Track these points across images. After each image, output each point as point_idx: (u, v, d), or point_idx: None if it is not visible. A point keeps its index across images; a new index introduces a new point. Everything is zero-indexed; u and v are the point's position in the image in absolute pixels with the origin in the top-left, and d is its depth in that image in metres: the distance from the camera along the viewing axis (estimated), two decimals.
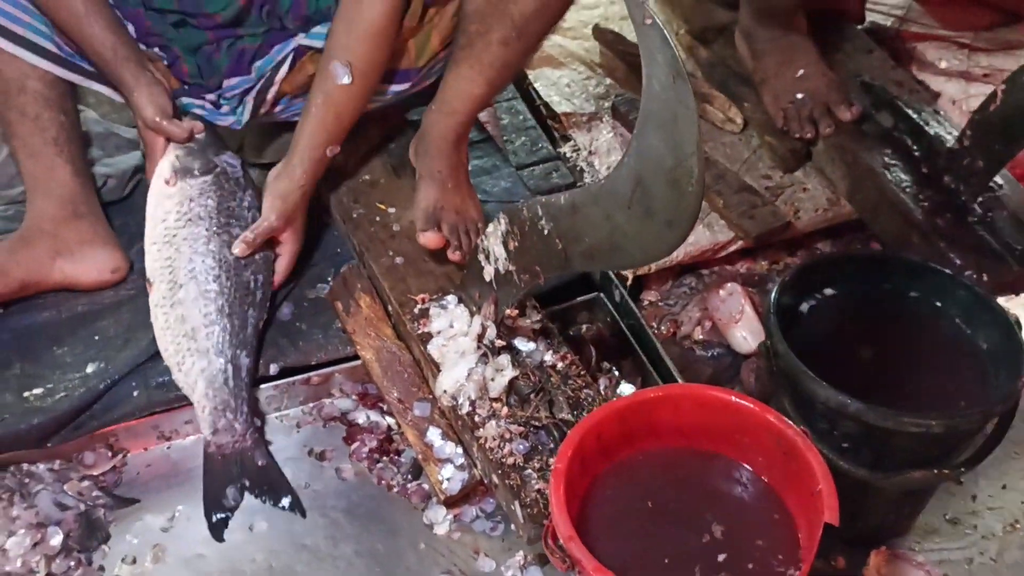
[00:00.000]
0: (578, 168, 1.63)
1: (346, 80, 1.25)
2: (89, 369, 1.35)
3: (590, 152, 1.64)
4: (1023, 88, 1.27)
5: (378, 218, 1.45)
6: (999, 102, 1.30)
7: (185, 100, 1.41)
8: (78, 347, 1.38)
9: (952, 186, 1.43)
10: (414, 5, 1.27)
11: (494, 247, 1.14)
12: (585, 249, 0.98)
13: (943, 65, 1.75)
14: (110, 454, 1.33)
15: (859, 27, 1.77)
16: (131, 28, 1.36)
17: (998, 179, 1.44)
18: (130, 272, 1.48)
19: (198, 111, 1.42)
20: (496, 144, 1.66)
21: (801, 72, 1.57)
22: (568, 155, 1.65)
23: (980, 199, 1.42)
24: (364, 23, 1.24)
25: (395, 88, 1.38)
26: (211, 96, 1.42)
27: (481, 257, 1.19)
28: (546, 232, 1.01)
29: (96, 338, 1.39)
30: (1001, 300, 1.16)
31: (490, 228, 1.13)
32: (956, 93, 1.70)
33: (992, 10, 1.80)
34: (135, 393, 1.33)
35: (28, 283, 1.41)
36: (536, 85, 1.77)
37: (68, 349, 1.38)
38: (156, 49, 1.39)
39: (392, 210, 1.46)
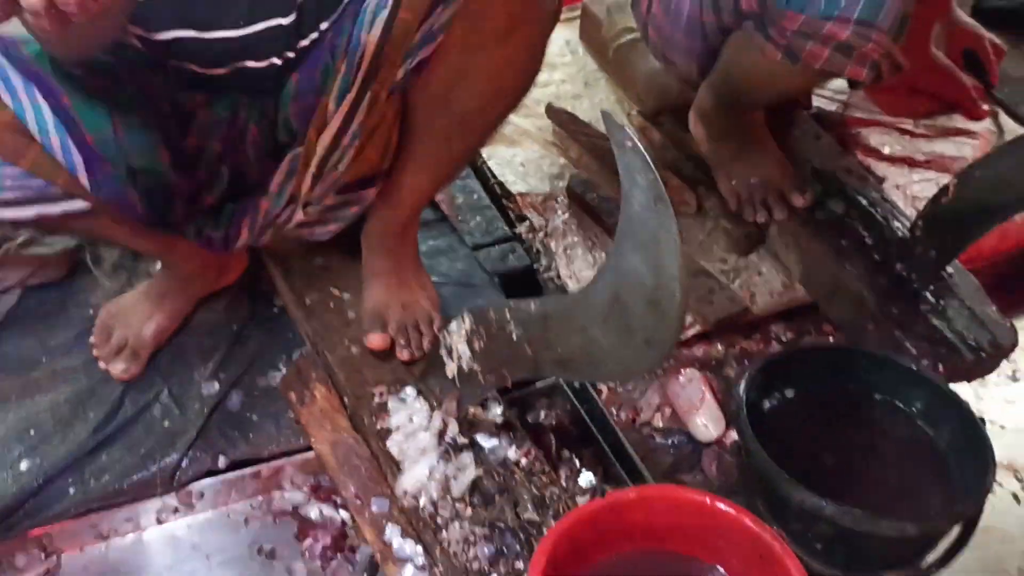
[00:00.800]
0: (535, 249, 1.62)
1: None
2: (23, 466, 1.27)
3: (546, 234, 1.63)
4: (976, 183, 1.31)
5: (332, 304, 1.41)
6: (951, 196, 1.34)
7: None
8: (11, 441, 1.30)
9: (904, 274, 1.45)
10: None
11: (457, 345, 1.11)
12: (558, 358, 0.96)
13: (886, 151, 1.80)
14: (43, 556, 1.26)
15: (806, 112, 1.81)
16: None
17: (949, 268, 1.47)
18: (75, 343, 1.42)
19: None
20: (452, 224, 1.64)
21: (756, 158, 1.59)
22: (524, 236, 1.64)
23: (932, 288, 1.44)
24: None
25: (369, 194, 1.31)
26: None
27: (443, 352, 1.16)
28: (515, 338, 0.99)
29: (31, 432, 1.31)
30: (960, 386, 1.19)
31: (453, 326, 1.11)
32: (900, 178, 1.75)
33: (930, 98, 1.86)
34: (71, 490, 1.26)
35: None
36: (490, 163, 1.76)
37: (1, 442, 1.30)
38: None
39: (347, 295, 1.42)
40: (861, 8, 1.29)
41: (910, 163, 1.78)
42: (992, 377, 1.48)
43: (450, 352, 1.14)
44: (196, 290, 1.43)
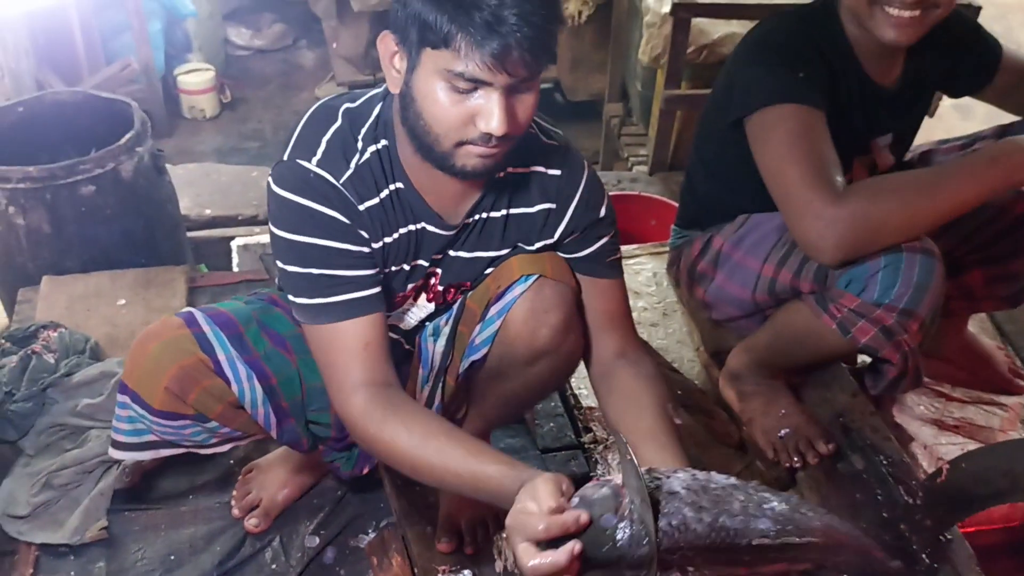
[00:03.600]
0: (594, 459, 1.90)
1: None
2: None
3: (605, 447, 1.92)
4: (962, 473, 1.53)
5: (418, 487, 1.73)
6: (944, 477, 1.56)
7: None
8: (155, 562, 1.65)
9: (906, 535, 1.66)
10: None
11: (506, 548, 1.40)
12: None
13: (919, 410, 2.02)
14: None
15: (845, 366, 2.05)
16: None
17: (948, 534, 1.67)
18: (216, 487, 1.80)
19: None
20: (528, 427, 1.95)
21: (783, 412, 1.85)
22: (588, 446, 1.93)
23: (928, 551, 1.64)
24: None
25: None
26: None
27: (495, 551, 1.45)
28: None
29: (172, 557, 1.66)
30: None
31: (505, 532, 1.40)
32: (928, 438, 1.96)
33: (968, 372, 2.08)
34: None
35: None
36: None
37: (147, 561, 1.65)
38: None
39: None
40: (907, 300, 1.58)
41: (940, 425, 1.99)
42: None
43: (500, 553, 1.43)
44: (324, 469, 1.78)
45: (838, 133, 1.64)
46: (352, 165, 1.28)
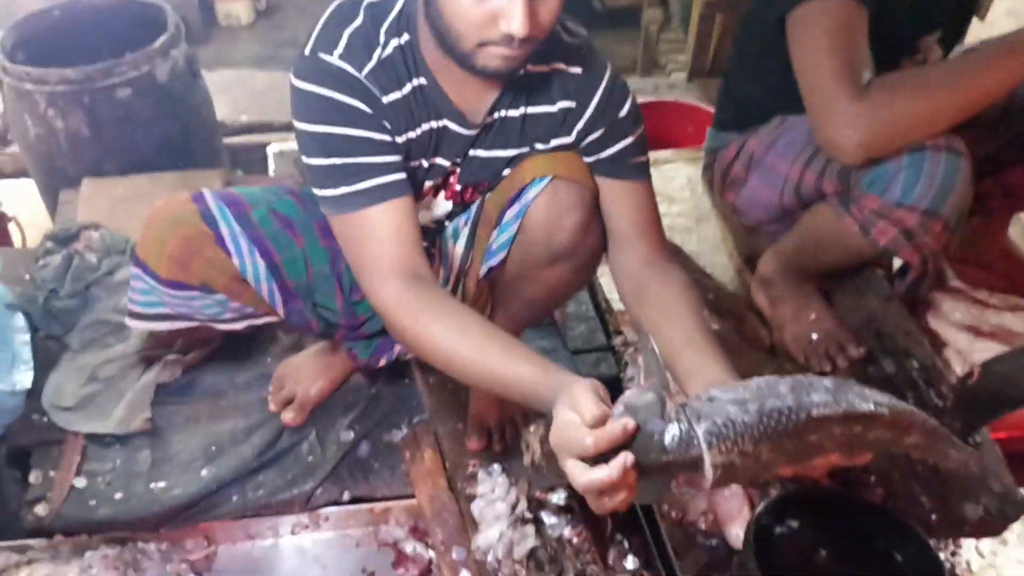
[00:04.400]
0: (624, 362, 1.92)
1: None
2: (203, 473, 1.68)
3: (635, 349, 1.93)
4: (995, 375, 1.53)
5: (450, 385, 1.77)
6: (975, 380, 1.56)
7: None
8: (198, 452, 1.72)
9: None
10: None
11: (533, 443, 1.43)
12: None
13: (956, 317, 1.99)
14: (206, 544, 1.63)
15: (879, 271, 2.03)
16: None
17: (978, 436, 1.67)
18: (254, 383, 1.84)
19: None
20: (559, 329, 1.97)
21: (814, 317, 1.85)
22: (618, 348, 1.95)
23: None
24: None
25: None
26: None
27: (523, 445, 1.48)
28: None
29: (213, 448, 1.73)
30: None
31: (532, 427, 1.43)
32: (963, 345, 1.94)
33: (1007, 279, 2.05)
34: (234, 498, 1.66)
35: None
36: (602, 280, 2.07)
37: (189, 451, 1.72)
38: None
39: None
40: (930, 200, 1.55)
41: (976, 332, 1.96)
42: (1011, 537, 1.67)
43: (527, 447, 1.46)
44: (354, 364, 1.81)
45: (886, 32, 1.59)
46: (375, 58, 1.27)
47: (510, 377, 1.12)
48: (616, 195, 1.41)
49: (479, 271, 1.48)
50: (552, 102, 1.37)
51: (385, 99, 1.28)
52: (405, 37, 1.28)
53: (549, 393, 1.05)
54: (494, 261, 1.45)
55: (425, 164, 1.38)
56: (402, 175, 1.30)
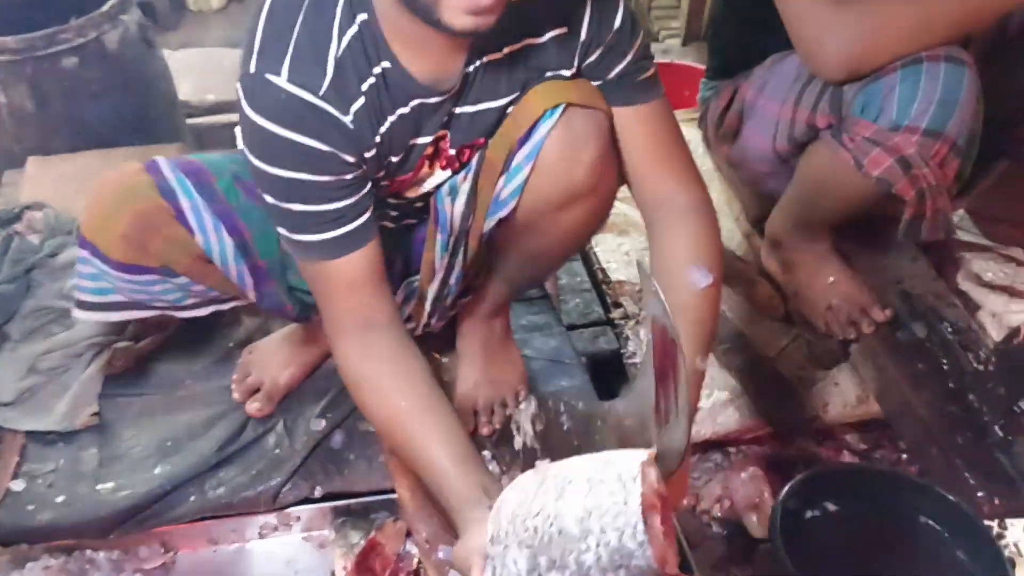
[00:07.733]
0: (624, 335, 1.74)
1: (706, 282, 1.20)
2: (157, 471, 1.50)
3: (637, 322, 1.75)
4: None
5: (432, 367, 1.59)
6: (1022, 339, 1.38)
7: None
8: (151, 448, 1.54)
9: (975, 405, 1.50)
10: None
11: (524, 423, 1.26)
12: None
13: (988, 277, 1.82)
14: (163, 551, 1.46)
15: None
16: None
17: (1022, 403, 1.50)
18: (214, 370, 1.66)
19: None
20: (552, 303, 1.79)
21: (831, 279, 1.67)
22: (617, 321, 1.77)
23: (1001, 422, 1.48)
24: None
25: (465, 302, 1.52)
26: None
27: (513, 427, 1.30)
28: (565, 428, 1.12)
29: (168, 443, 1.54)
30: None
31: (522, 405, 1.26)
32: (997, 307, 1.76)
33: None
34: (192, 498, 1.47)
35: None
36: (597, 250, 1.90)
37: (142, 448, 1.54)
38: None
39: (445, 360, 1.59)
40: (929, 119, 1.37)
41: (1011, 292, 1.79)
42: None
43: (518, 428, 1.29)
44: (326, 345, 1.63)
45: None
46: (330, 62, 1.08)
47: (434, 474, 1.12)
48: (628, 123, 1.24)
49: (483, 227, 1.30)
50: (538, 34, 1.18)
51: (347, 115, 1.11)
52: (361, 17, 1.09)
53: (455, 500, 1.06)
54: (503, 211, 1.26)
55: (409, 144, 1.21)
56: (366, 216, 1.17)
